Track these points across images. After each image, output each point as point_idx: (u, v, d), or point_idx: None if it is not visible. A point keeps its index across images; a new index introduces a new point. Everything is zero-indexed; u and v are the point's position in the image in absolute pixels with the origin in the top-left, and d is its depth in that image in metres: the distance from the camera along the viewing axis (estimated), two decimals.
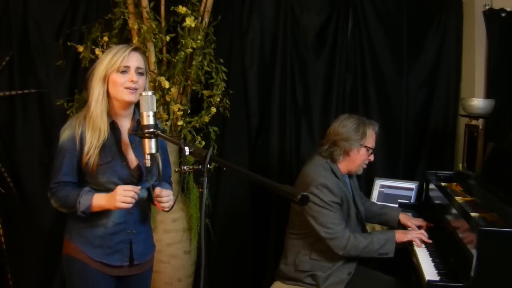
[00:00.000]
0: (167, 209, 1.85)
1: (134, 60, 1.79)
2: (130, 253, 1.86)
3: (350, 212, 2.37)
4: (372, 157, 2.40)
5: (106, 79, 1.78)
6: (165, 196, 1.84)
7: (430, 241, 2.23)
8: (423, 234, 2.26)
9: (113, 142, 1.81)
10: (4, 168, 2.91)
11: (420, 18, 3.12)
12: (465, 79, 3.11)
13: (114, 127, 1.82)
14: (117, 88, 1.77)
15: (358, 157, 2.35)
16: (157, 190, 1.84)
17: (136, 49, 1.83)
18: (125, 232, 1.85)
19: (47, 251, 2.95)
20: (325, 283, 2.26)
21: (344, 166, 2.37)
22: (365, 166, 2.43)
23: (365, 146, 2.34)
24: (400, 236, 2.25)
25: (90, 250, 1.81)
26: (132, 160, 1.85)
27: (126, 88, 1.77)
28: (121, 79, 1.77)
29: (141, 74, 1.81)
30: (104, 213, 1.80)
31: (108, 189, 1.78)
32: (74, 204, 1.75)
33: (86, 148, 1.75)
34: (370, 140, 2.36)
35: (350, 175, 2.46)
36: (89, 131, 1.77)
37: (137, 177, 1.84)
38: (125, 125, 1.86)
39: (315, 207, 2.23)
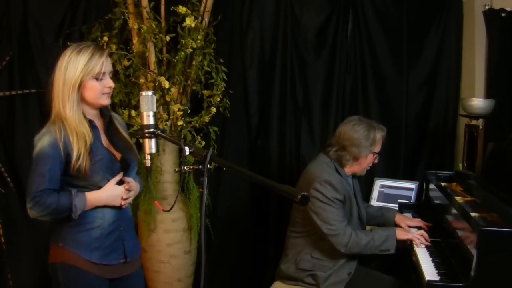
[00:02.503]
0: (124, 203, 1.85)
1: (108, 65, 1.80)
2: (124, 250, 1.87)
3: (353, 211, 2.38)
4: (376, 160, 2.42)
5: (81, 86, 1.74)
6: (134, 190, 1.87)
7: (429, 243, 2.23)
8: (424, 235, 2.26)
9: (96, 140, 1.80)
10: (4, 168, 2.92)
11: (420, 18, 3.12)
12: (465, 79, 3.11)
13: (92, 125, 1.81)
14: (95, 95, 1.77)
15: (365, 161, 2.37)
16: (129, 179, 1.87)
17: (107, 52, 1.81)
18: (118, 230, 1.85)
19: (47, 251, 2.94)
20: (325, 283, 2.26)
21: (349, 168, 2.39)
22: (368, 168, 2.44)
23: (373, 152, 2.36)
24: (401, 233, 2.26)
25: (88, 254, 1.77)
26: (115, 154, 1.86)
27: (104, 94, 1.79)
28: (99, 85, 1.76)
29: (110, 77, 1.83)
30: (99, 214, 1.79)
31: (101, 187, 1.78)
32: (68, 208, 1.70)
33: (75, 155, 1.70)
34: (378, 145, 2.38)
35: (353, 176, 2.47)
36: (74, 137, 1.72)
37: (123, 169, 1.87)
38: (98, 122, 1.86)
39: (318, 203, 2.24)
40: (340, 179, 2.32)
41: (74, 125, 1.72)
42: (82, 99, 1.77)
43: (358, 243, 2.22)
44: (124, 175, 1.86)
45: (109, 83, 1.79)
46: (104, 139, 1.86)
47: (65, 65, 1.73)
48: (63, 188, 1.74)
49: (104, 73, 1.77)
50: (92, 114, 1.83)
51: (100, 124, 1.87)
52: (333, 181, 2.26)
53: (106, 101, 1.80)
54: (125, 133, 1.92)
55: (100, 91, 1.77)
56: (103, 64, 1.75)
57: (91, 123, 1.80)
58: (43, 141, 1.71)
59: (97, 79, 1.75)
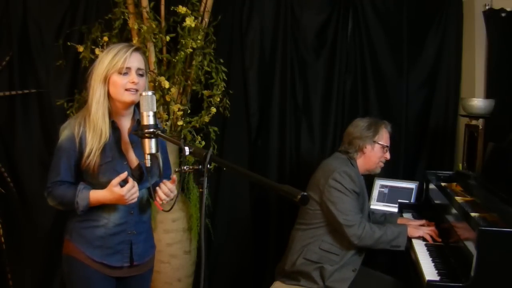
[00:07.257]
0: (166, 200, 1.82)
1: (135, 61, 1.79)
2: (130, 254, 1.86)
3: (365, 207, 2.43)
4: (388, 155, 2.47)
5: (106, 80, 1.77)
6: (169, 188, 1.82)
7: (439, 239, 2.25)
8: (434, 231, 2.29)
9: (113, 141, 1.80)
10: (4, 168, 2.91)
11: (420, 18, 3.12)
12: (465, 79, 3.11)
13: (114, 127, 1.82)
14: (118, 90, 1.77)
15: (373, 154, 2.43)
16: (164, 183, 1.83)
17: (137, 49, 1.82)
18: (125, 233, 1.85)
19: (47, 251, 2.95)
20: (330, 278, 2.25)
21: (361, 165, 2.44)
22: (382, 165, 2.48)
23: (378, 143, 2.42)
24: (412, 231, 2.30)
25: (90, 251, 1.81)
26: (133, 159, 1.85)
27: (127, 89, 1.77)
28: (122, 80, 1.76)
29: (141, 75, 1.80)
30: (105, 214, 1.81)
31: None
32: (72, 203, 1.75)
33: (87, 151, 1.74)
34: (383, 137, 2.44)
35: (368, 175, 2.52)
36: (90, 133, 1.76)
37: (137, 176, 1.84)
38: (125, 124, 1.86)
39: (336, 192, 2.28)
40: (357, 173, 2.39)
41: (95, 120, 1.76)
42: (109, 96, 1.79)
43: (371, 235, 2.24)
44: (141, 181, 1.84)
45: (133, 78, 1.76)
46: (125, 142, 1.84)
47: (98, 61, 1.80)
48: (77, 182, 1.79)
49: (128, 68, 1.76)
50: (121, 114, 1.83)
51: (128, 125, 1.86)
52: (351, 173, 2.33)
53: (129, 97, 1.77)
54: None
55: (123, 86, 1.76)
56: (127, 59, 1.76)
57: (113, 124, 1.81)
58: (62, 134, 1.79)
59: (120, 73, 1.76)
